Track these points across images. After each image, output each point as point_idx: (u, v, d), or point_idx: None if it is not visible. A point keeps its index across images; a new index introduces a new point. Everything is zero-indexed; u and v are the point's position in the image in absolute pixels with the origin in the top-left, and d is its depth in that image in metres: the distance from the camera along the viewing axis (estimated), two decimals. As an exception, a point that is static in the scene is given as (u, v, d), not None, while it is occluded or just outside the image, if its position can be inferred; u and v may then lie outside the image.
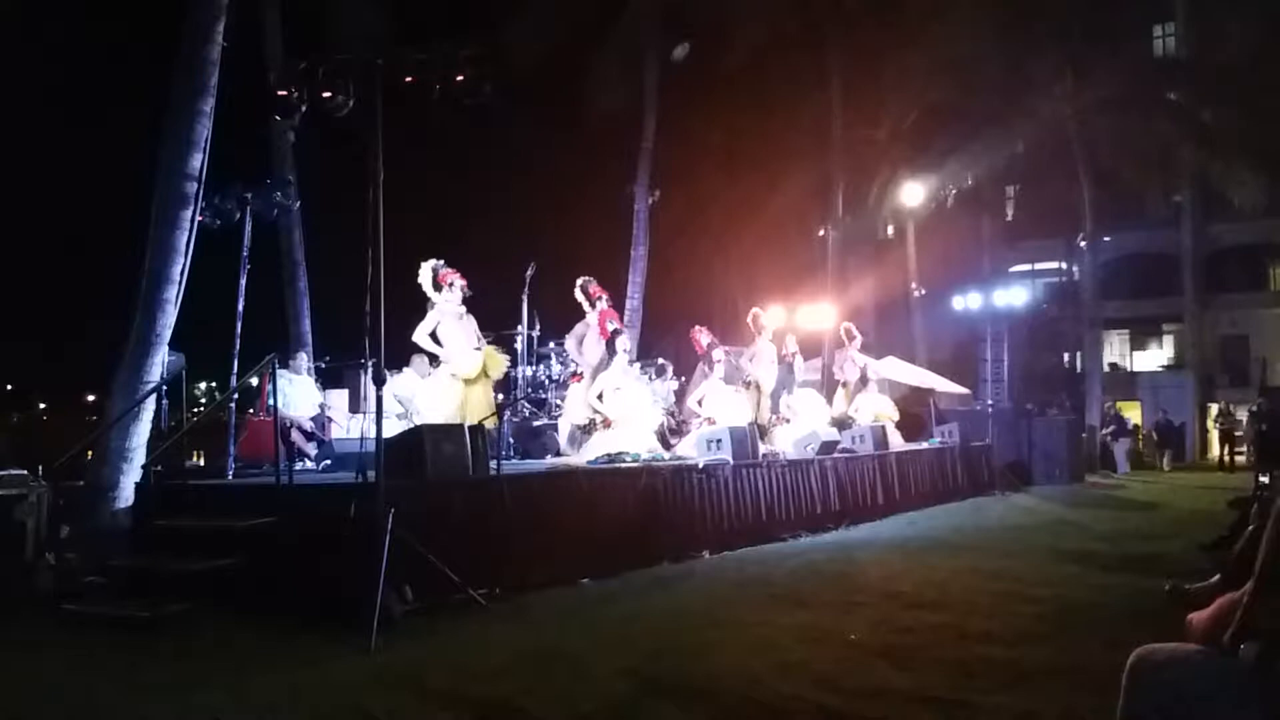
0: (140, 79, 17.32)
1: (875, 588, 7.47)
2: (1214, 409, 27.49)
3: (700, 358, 11.94)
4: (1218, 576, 5.75)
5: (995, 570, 8.19)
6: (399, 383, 10.90)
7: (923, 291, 26.99)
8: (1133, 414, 26.83)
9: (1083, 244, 26.40)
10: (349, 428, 11.18)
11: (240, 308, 9.47)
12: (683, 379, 12.99)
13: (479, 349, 9.59)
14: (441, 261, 9.94)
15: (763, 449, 11.04)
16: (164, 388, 9.21)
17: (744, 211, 25.13)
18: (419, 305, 9.75)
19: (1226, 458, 24.43)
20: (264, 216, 10.31)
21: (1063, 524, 11.86)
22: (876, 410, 14.37)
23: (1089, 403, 24.20)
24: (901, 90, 25.19)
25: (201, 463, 11.62)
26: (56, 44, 19.54)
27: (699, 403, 11.44)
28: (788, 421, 12.43)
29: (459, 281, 9.82)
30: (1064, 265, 31.54)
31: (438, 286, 9.67)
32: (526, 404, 12.25)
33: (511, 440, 11.16)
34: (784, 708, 4.53)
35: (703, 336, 11.87)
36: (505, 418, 10.42)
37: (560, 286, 11.00)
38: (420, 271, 9.86)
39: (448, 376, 9.48)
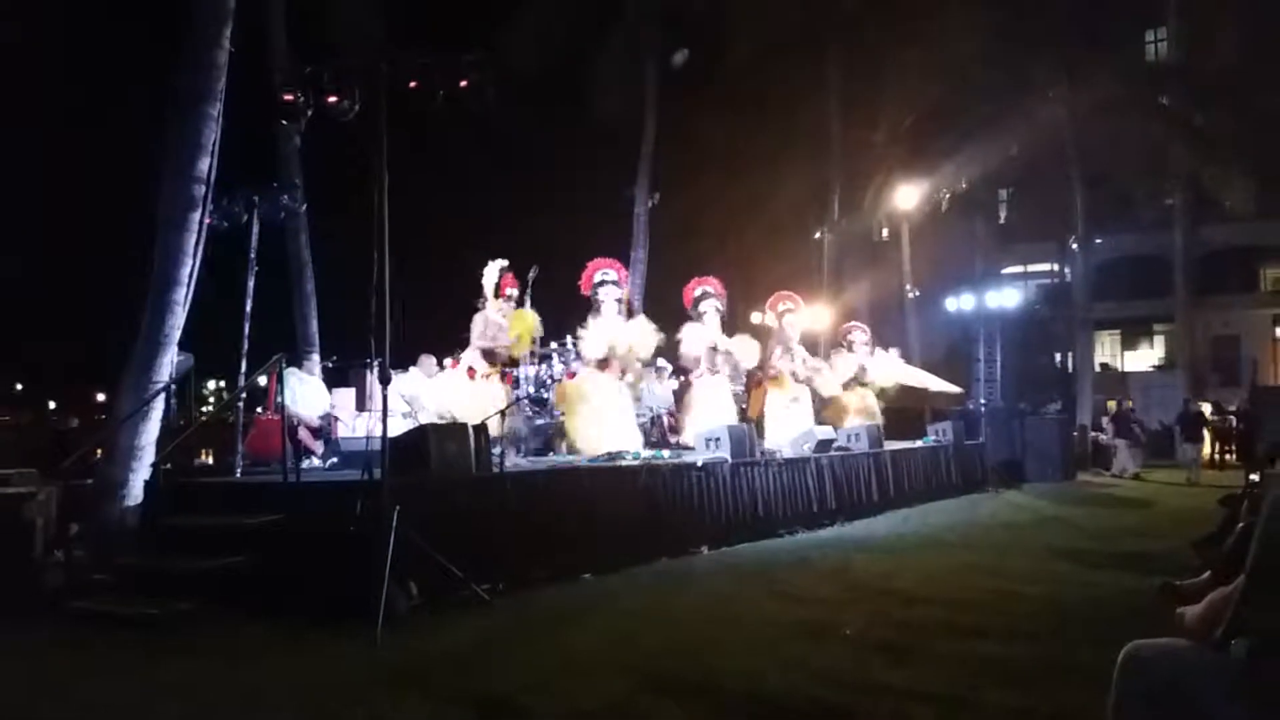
0: (147, 83, 17.33)
1: (871, 584, 7.56)
2: (1206, 408, 27.60)
3: (688, 307, 12.05)
4: (1208, 573, 5.83)
5: (989, 567, 8.29)
6: (405, 382, 10.97)
7: (917, 293, 27.05)
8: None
9: (1075, 246, 26.50)
10: (355, 427, 11.24)
11: (248, 308, 9.55)
12: (682, 379, 13.07)
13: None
14: (507, 265, 10.16)
15: None
16: (172, 387, 9.27)
17: (742, 214, 25.18)
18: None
19: (1217, 456, 24.52)
20: (271, 219, 10.39)
21: (1055, 521, 11.96)
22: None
23: (1080, 402, 24.32)
24: (899, 94, 25.29)
25: (210, 461, 11.67)
26: (64, 47, 19.55)
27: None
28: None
29: (514, 292, 10.10)
30: (1056, 267, 31.65)
31: (497, 291, 9.88)
32: (528, 403, 12.31)
33: (523, 437, 11.23)
34: (781, 703, 4.61)
35: (698, 289, 11.97)
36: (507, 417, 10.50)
37: (560, 287, 11.10)
38: (487, 269, 10.06)
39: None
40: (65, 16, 18.37)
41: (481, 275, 10.47)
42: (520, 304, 10.88)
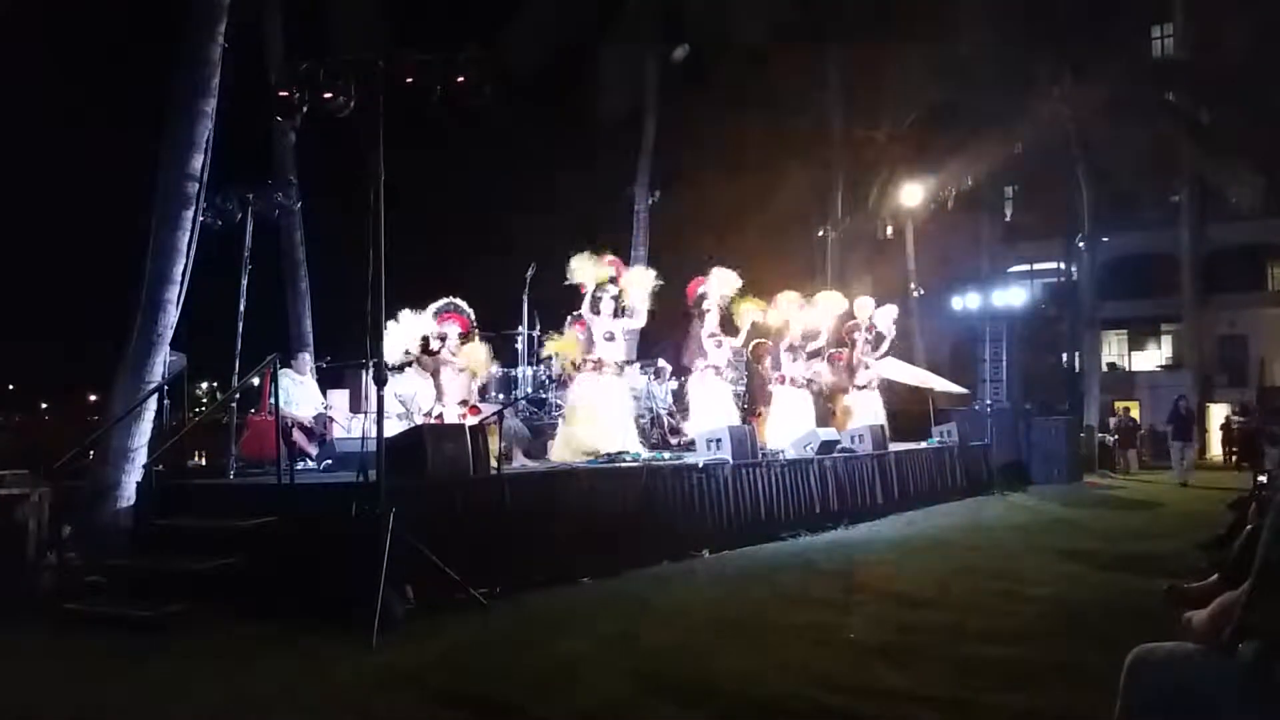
0: (142, 79, 17.36)
1: (874, 587, 7.51)
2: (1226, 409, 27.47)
3: (689, 306, 11.95)
4: (1216, 576, 5.76)
5: (994, 569, 8.23)
6: (400, 383, 10.90)
7: (922, 292, 26.99)
8: (1132, 414, 26.83)
9: (1081, 244, 26.41)
10: (350, 428, 11.18)
11: (241, 308, 9.52)
12: (682, 380, 12.98)
13: None
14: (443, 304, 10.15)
15: None
16: (165, 387, 9.22)
17: (744, 212, 25.12)
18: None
19: (1230, 457, 24.44)
20: (265, 217, 10.36)
21: (1061, 523, 11.90)
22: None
23: (1087, 403, 24.21)
24: (901, 90, 25.22)
25: (203, 462, 11.62)
26: (58, 44, 19.57)
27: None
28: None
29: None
30: (1062, 265, 31.55)
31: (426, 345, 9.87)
32: (527, 404, 12.25)
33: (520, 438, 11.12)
34: (783, 706, 4.56)
35: (701, 287, 11.91)
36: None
37: (560, 286, 11.02)
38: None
39: None
40: (61, 13, 18.38)
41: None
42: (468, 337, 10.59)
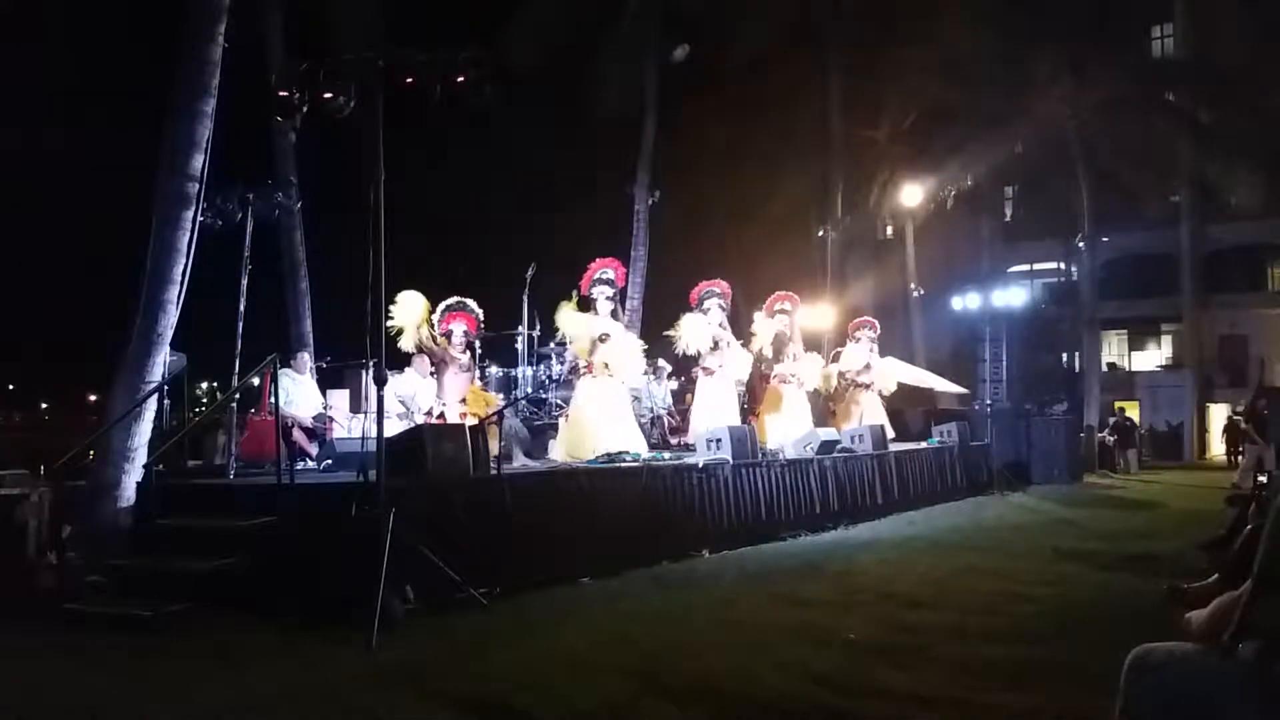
0: (142, 79, 17.36)
1: (874, 587, 7.50)
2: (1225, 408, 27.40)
3: (693, 307, 11.91)
4: (1216, 576, 5.77)
5: (994, 569, 8.23)
6: (400, 383, 10.90)
7: (921, 292, 27.03)
8: (1131, 414, 26.87)
9: (1081, 244, 26.43)
10: (350, 428, 11.19)
11: (241, 308, 9.49)
12: (682, 379, 12.99)
13: None
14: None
15: None
16: (165, 387, 9.22)
17: (744, 211, 25.18)
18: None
19: (1232, 456, 24.40)
20: (265, 217, 10.35)
21: (1062, 523, 11.88)
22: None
23: (1087, 403, 24.23)
24: (901, 90, 25.26)
25: (202, 462, 11.63)
26: (57, 43, 19.56)
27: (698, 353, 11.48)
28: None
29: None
30: (1062, 265, 31.57)
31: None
32: (527, 404, 12.26)
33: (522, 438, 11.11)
34: (783, 707, 4.55)
35: (704, 290, 11.87)
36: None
37: (560, 286, 11.02)
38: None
39: None
40: (62, 14, 18.38)
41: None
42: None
